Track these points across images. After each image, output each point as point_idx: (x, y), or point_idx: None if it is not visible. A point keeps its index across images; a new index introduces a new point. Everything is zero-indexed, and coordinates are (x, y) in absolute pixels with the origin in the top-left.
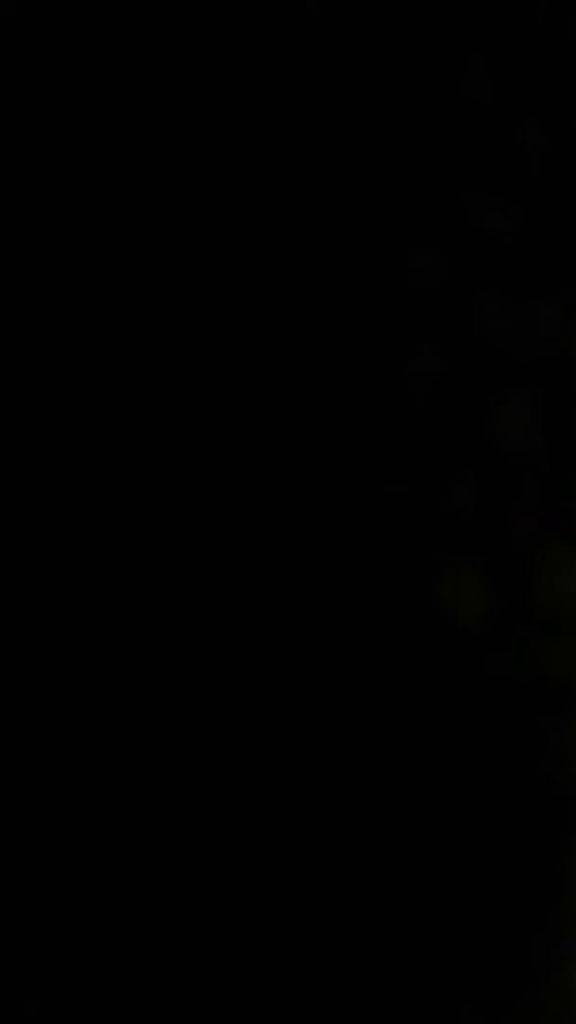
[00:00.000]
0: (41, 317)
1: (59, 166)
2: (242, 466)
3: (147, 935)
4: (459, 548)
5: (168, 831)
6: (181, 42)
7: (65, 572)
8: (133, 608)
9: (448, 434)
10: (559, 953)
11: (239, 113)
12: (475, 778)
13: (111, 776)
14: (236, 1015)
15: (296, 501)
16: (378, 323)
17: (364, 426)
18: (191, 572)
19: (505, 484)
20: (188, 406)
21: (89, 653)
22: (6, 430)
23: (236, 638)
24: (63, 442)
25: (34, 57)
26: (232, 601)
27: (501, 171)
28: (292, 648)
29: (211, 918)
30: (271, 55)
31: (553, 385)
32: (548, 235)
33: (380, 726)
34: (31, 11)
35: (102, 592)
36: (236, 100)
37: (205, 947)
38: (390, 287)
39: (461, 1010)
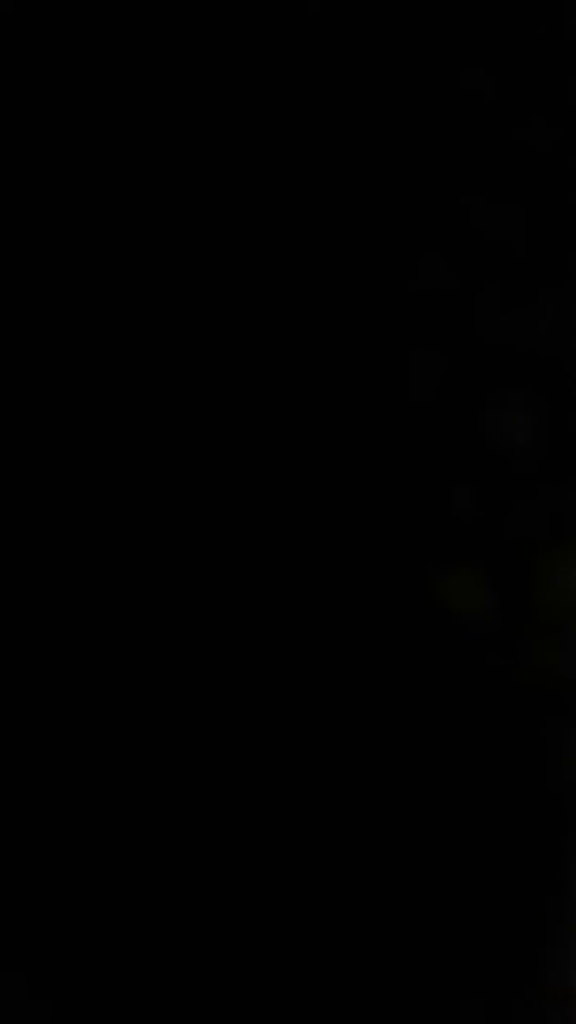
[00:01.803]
0: (41, 317)
1: (59, 166)
2: (243, 468)
3: (146, 933)
4: (460, 548)
5: (167, 828)
6: (181, 42)
7: (63, 571)
8: (135, 608)
9: (449, 435)
10: (559, 953)
11: (239, 113)
12: (475, 777)
13: (111, 774)
14: (236, 1014)
15: (297, 501)
16: (378, 325)
17: (365, 427)
18: (194, 574)
19: (506, 484)
20: (187, 406)
21: (88, 651)
22: (5, 430)
23: (240, 638)
24: (62, 441)
25: (34, 57)
26: (236, 602)
27: (501, 171)
28: (295, 647)
29: (211, 918)
30: (271, 54)
31: (553, 385)
32: (549, 235)
33: (382, 724)
34: (31, 11)
35: (101, 591)
36: (236, 99)
37: (204, 947)
38: (390, 288)
39: (461, 1010)
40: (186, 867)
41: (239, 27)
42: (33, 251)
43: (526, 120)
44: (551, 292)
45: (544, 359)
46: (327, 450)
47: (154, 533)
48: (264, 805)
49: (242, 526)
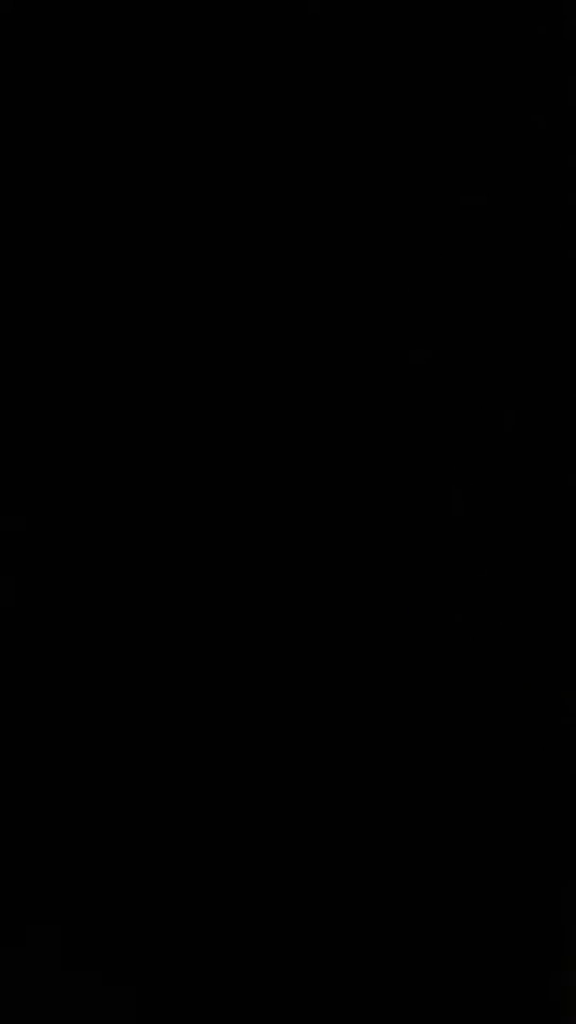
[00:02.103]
0: (41, 316)
1: (59, 166)
2: (245, 466)
3: (145, 931)
4: (462, 548)
5: (167, 826)
6: (180, 42)
7: (66, 571)
8: (135, 609)
9: (450, 436)
10: (559, 954)
11: (239, 112)
12: (476, 775)
13: (112, 773)
14: (235, 1014)
15: (299, 501)
16: (379, 325)
17: (365, 427)
18: (193, 574)
19: (506, 484)
20: (186, 407)
21: (91, 653)
22: (7, 427)
23: (242, 635)
24: (63, 438)
25: (34, 57)
26: (237, 601)
27: (502, 171)
28: (297, 646)
29: (210, 916)
30: (271, 54)
31: (554, 386)
32: (549, 235)
33: (383, 724)
34: (31, 11)
35: (104, 594)
36: (236, 99)
37: (205, 945)
38: (391, 289)
39: (460, 1010)
40: (187, 864)
41: (239, 27)
42: (33, 251)
43: (526, 120)
44: (551, 291)
45: (545, 358)
46: (326, 450)
47: (154, 530)
48: (264, 803)
49: (245, 525)
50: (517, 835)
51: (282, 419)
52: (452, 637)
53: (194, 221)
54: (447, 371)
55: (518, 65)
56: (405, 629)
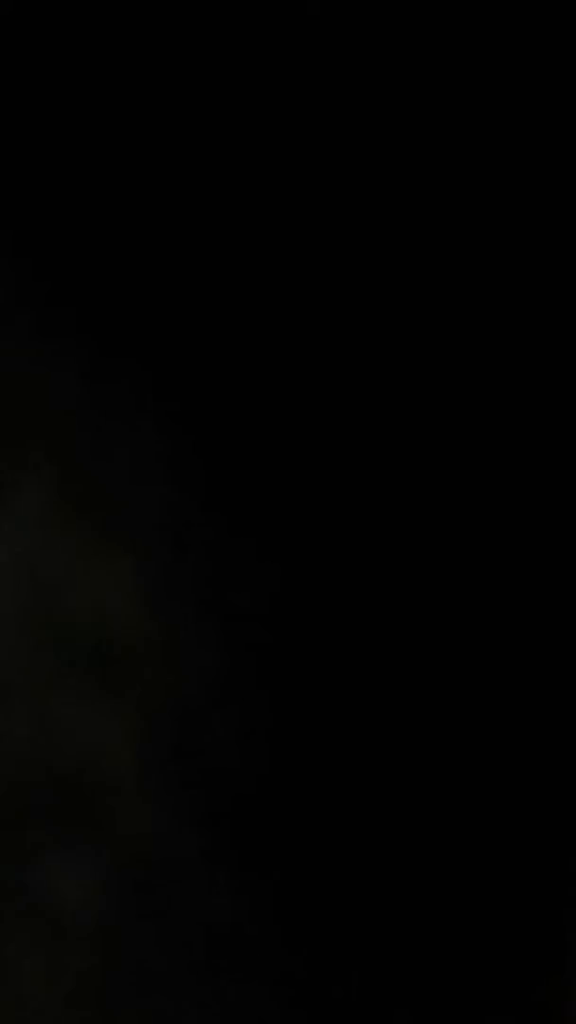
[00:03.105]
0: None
1: (58, 166)
2: (242, 471)
3: None
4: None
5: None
6: (179, 43)
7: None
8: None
9: (451, 435)
10: (560, 955)
11: (238, 112)
12: (476, 774)
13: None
14: (235, 1013)
15: (299, 501)
16: (379, 322)
17: (366, 425)
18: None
19: (506, 484)
20: (185, 405)
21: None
22: None
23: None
24: None
25: (34, 56)
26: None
27: (501, 171)
28: (294, 645)
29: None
30: (270, 54)
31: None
32: (549, 236)
33: (386, 724)
34: (31, 11)
35: None
36: (235, 100)
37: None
38: (390, 291)
39: (460, 1010)
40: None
41: (238, 27)
42: (34, 252)
43: (528, 120)
44: (553, 292)
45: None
46: (327, 448)
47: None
48: (266, 803)
49: (236, 525)
50: (521, 834)
51: (282, 416)
52: (452, 638)
53: (193, 220)
54: (449, 370)
55: (520, 64)
56: (403, 630)
